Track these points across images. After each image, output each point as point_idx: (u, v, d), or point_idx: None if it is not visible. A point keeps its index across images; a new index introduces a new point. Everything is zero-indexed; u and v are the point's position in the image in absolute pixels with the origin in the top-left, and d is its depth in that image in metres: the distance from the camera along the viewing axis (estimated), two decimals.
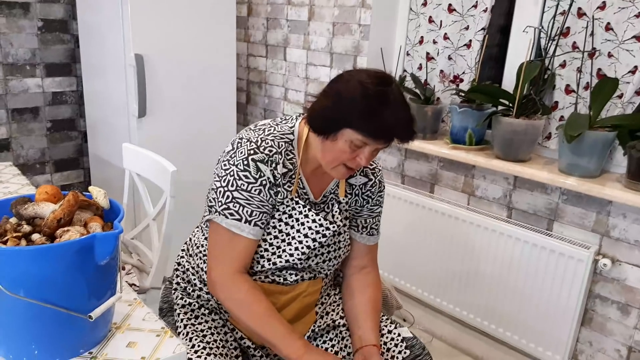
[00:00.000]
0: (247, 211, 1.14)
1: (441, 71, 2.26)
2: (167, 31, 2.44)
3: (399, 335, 1.32)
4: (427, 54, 2.32)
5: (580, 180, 1.76)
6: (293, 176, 1.20)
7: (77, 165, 3.10)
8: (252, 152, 1.14)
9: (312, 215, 1.21)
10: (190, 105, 2.62)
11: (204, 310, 1.30)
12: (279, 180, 1.16)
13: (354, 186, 1.30)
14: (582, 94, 1.88)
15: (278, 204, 1.19)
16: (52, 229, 0.95)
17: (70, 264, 0.91)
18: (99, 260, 0.94)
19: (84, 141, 3.06)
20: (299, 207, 1.20)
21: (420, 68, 2.37)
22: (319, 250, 1.25)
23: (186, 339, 1.22)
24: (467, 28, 2.16)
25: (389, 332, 1.33)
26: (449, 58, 2.24)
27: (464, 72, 2.20)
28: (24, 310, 0.91)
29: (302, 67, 2.76)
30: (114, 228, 0.98)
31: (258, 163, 1.14)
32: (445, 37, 2.22)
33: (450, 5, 2.18)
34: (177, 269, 1.37)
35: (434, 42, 2.29)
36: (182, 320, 1.27)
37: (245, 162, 1.14)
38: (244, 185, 1.14)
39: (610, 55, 1.80)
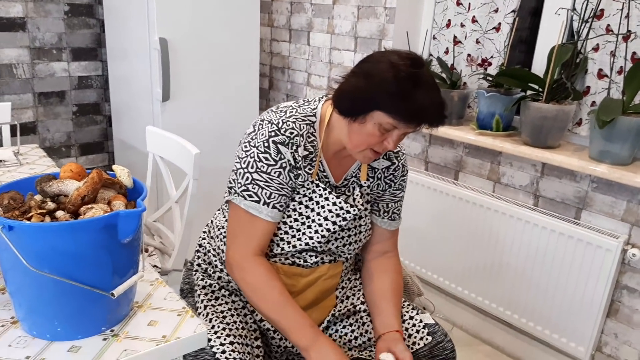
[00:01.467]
0: (265, 193, 1.13)
1: (468, 55, 2.21)
2: (191, 15, 2.44)
3: (421, 321, 1.30)
4: (454, 37, 2.27)
5: (612, 168, 1.70)
6: (314, 159, 1.18)
7: (102, 149, 3.14)
8: (273, 133, 1.13)
9: (333, 198, 1.19)
10: (214, 90, 2.61)
11: (225, 291, 1.30)
12: (300, 162, 1.15)
13: (376, 170, 1.28)
14: (615, 78, 1.81)
15: (299, 187, 1.18)
16: (76, 206, 0.95)
17: (94, 241, 0.92)
18: (122, 237, 0.94)
19: (109, 125, 3.09)
20: (320, 190, 1.19)
21: (446, 52, 2.32)
22: (339, 234, 1.23)
23: (206, 320, 1.22)
24: (496, 10, 2.10)
25: (411, 317, 1.31)
26: (477, 42, 2.18)
27: (492, 56, 2.15)
28: (48, 286, 0.92)
29: (326, 51, 2.73)
30: (137, 206, 0.98)
31: (279, 145, 1.13)
32: (474, 20, 2.17)
33: None
34: (198, 251, 1.38)
35: (462, 25, 2.23)
36: (202, 301, 1.28)
37: (266, 144, 1.13)
38: (263, 167, 1.13)
39: None
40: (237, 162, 1.16)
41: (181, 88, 2.50)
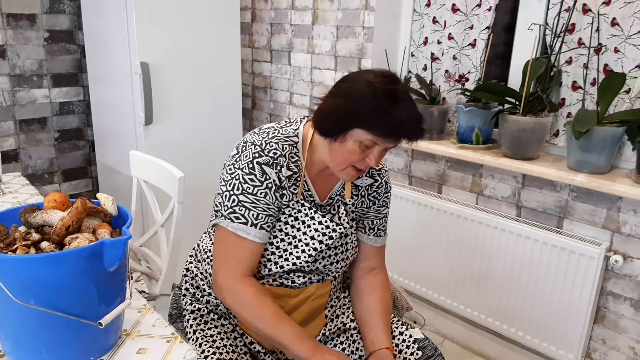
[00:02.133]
0: (253, 214, 1.14)
1: (446, 71, 2.26)
2: (172, 39, 2.46)
3: (411, 336, 1.31)
4: (432, 54, 2.31)
5: (590, 177, 1.74)
6: (298, 179, 1.20)
7: (85, 174, 3.12)
8: (257, 155, 1.14)
9: (318, 218, 1.20)
10: (197, 112, 2.63)
11: (213, 315, 1.29)
12: (284, 182, 1.16)
13: (360, 187, 1.30)
14: (589, 90, 1.86)
15: (284, 207, 1.19)
16: (61, 236, 0.95)
17: (80, 270, 0.92)
18: (108, 266, 0.94)
19: (92, 150, 3.08)
20: (305, 209, 1.20)
21: (425, 69, 2.36)
22: (326, 253, 1.24)
23: (196, 345, 1.22)
24: (471, 27, 2.15)
25: (400, 333, 1.32)
26: (454, 58, 2.23)
27: (469, 72, 2.19)
28: (34, 318, 0.91)
29: (307, 71, 2.76)
30: (122, 234, 0.99)
31: (263, 166, 1.14)
32: (450, 37, 2.22)
33: (454, 5, 2.17)
34: (185, 275, 1.37)
35: (439, 42, 2.28)
36: (191, 325, 1.27)
37: (251, 166, 1.14)
38: (249, 188, 1.14)
39: (616, 50, 1.78)
40: (223, 185, 1.17)
41: (164, 111, 2.50)
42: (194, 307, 1.31)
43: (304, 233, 1.20)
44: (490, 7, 2.05)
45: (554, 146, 2.01)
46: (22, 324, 0.93)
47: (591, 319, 1.88)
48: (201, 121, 2.65)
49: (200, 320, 1.28)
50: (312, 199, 1.23)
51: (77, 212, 0.96)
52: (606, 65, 1.82)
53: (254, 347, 1.25)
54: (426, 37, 2.33)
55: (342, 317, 1.34)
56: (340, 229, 1.22)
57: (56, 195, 1.04)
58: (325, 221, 1.21)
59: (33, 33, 2.74)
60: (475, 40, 2.14)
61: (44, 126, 2.89)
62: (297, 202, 1.20)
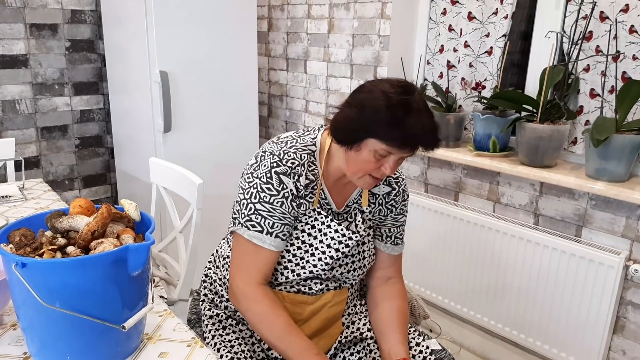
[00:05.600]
0: (269, 223, 1.15)
1: (462, 79, 2.26)
2: (190, 48, 2.49)
3: (427, 347, 1.30)
4: (448, 62, 2.32)
5: (609, 185, 1.73)
6: (315, 187, 1.21)
7: (105, 180, 3.17)
8: (275, 164, 1.16)
9: (335, 226, 1.21)
10: (214, 120, 2.66)
11: (232, 320, 1.31)
12: (302, 192, 1.17)
13: (377, 195, 1.31)
14: (607, 97, 1.85)
15: (300, 215, 1.20)
16: (87, 241, 0.98)
17: (105, 275, 0.94)
18: (132, 271, 0.96)
19: (111, 157, 3.13)
20: (321, 217, 1.21)
21: (441, 76, 2.37)
22: (342, 261, 1.25)
23: (214, 349, 1.23)
24: (487, 35, 2.15)
25: (417, 344, 1.31)
26: (470, 65, 2.23)
27: (485, 79, 2.19)
28: (60, 321, 0.93)
29: (323, 79, 2.78)
30: (145, 239, 1.00)
31: (281, 176, 1.15)
32: (466, 45, 2.22)
33: (470, 13, 2.18)
34: (204, 281, 1.39)
35: (455, 50, 2.29)
36: (209, 331, 1.28)
37: (269, 175, 1.15)
38: (266, 197, 1.15)
39: (635, 57, 1.77)
40: (241, 194, 1.19)
41: (182, 119, 2.54)
42: (213, 312, 1.32)
43: (321, 241, 1.21)
44: (507, 15, 2.05)
45: (572, 154, 2.00)
46: (47, 327, 0.95)
47: (610, 329, 1.86)
48: (218, 129, 2.68)
49: (219, 326, 1.30)
50: (329, 207, 1.24)
51: (102, 218, 0.98)
52: (624, 72, 1.81)
53: (272, 354, 1.26)
54: (442, 45, 2.34)
55: (358, 324, 1.34)
56: (356, 237, 1.23)
57: (81, 201, 1.07)
58: (342, 229, 1.21)
59: (55, 42, 2.80)
60: (491, 47, 2.14)
61: (65, 133, 2.95)
62: (314, 210, 1.21)
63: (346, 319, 1.33)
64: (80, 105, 2.97)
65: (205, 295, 1.36)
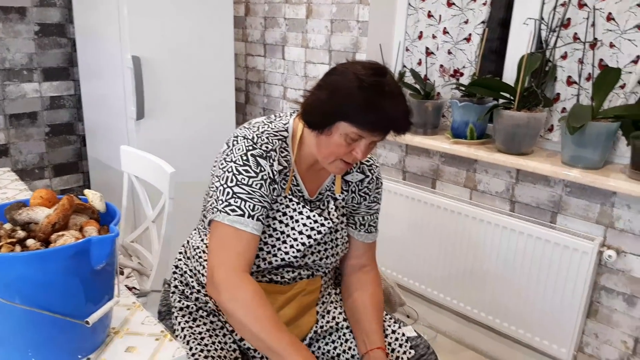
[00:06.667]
0: (249, 206, 1.11)
1: (441, 66, 2.24)
2: (163, 32, 2.43)
3: (403, 335, 1.30)
4: (427, 49, 2.30)
5: (584, 172, 1.74)
6: (287, 174, 1.18)
7: (77, 169, 3.09)
8: (250, 147, 1.13)
9: (307, 212, 1.19)
10: (189, 107, 2.60)
11: (202, 312, 1.28)
12: (276, 176, 1.15)
13: (350, 183, 1.29)
14: (584, 85, 1.85)
15: (273, 201, 1.18)
16: (47, 234, 0.94)
17: (66, 269, 0.90)
18: (95, 264, 0.93)
19: (83, 145, 3.05)
20: (293, 204, 1.19)
21: (419, 63, 2.35)
22: (315, 248, 1.23)
23: (184, 342, 1.20)
24: (466, 22, 2.13)
25: (393, 332, 1.31)
26: (449, 52, 2.21)
27: (464, 67, 2.18)
28: (20, 316, 0.89)
29: (301, 65, 2.74)
30: (110, 231, 0.97)
31: (257, 158, 1.12)
32: (445, 32, 2.20)
33: None
34: (175, 272, 1.36)
35: (433, 36, 2.27)
36: (179, 323, 1.26)
37: (245, 158, 1.12)
38: (244, 179, 1.12)
39: (612, 45, 1.77)
40: (215, 181, 1.15)
41: (156, 106, 2.48)
42: (183, 304, 1.29)
43: (292, 228, 1.19)
44: (486, 1, 2.04)
45: (549, 141, 2.00)
46: (7, 323, 0.91)
47: (584, 314, 1.88)
48: (194, 116, 2.63)
49: (189, 318, 1.27)
50: (300, 194, 1.22)
51: (63, 209, 0.94)
52: (601, 60, 1.81)
53: (244, 344, 1.24)
54: (421, 32, 2.31)
55: (334, 313, 1.32)
56: (329, 223, 1.21)
57: (42, 192, 1.02)
58: (314, 215, 1.19)
59: (23, 26, 2.70)
60: (470, 34, 2.12)
61: (35, 121, 2.86)
62: (285, 197, 1.18)
63: (320, 307, 1.31)
64: (50, 92, 2.88)
65: (176, 287, 1.33)
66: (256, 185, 1.12)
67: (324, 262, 1.25)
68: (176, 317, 1.28)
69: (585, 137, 1.71)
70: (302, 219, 1.19)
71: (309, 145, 1.18)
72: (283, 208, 1.18)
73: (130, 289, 1.74)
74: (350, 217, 1.32)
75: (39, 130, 2.89)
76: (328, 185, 1.26)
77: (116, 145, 2.56)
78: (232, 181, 1.12)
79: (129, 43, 2.33)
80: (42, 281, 0.88)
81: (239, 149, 1.13)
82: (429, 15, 2.26)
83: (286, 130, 1.19)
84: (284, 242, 1.18)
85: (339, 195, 1.27)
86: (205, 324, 1.26)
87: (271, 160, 1.13)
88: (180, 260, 1.36)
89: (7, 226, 0.97)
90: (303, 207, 1.19)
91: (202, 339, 1.20)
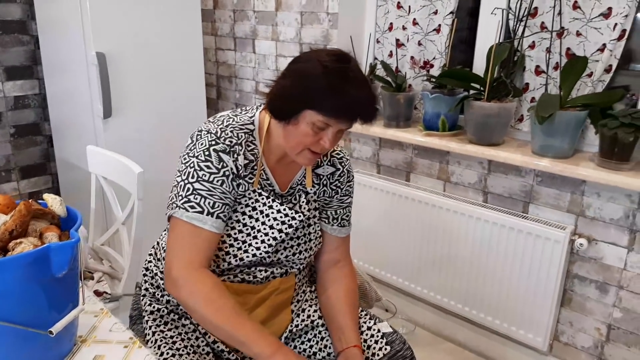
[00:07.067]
0: (209, 203, 1.09)
1: (412, 57, 2.23)
2: (129, 27, 2.36)
3: (379, 331, 1.29)
4: (397, 40, 2.29)
5: (554, 161, 1.75)
6: (255, 167, 1.16)
7: (45, 170, 3.00)
8: (213, 142, 1.11)
9: (277, 206, 1.17)
10: (158, 103, 2.54)
11: (174, 315, 1.25)
12: (241, 171, 1.13)
13: (321, 176, 1.27)
14: (552, 74, 1.87)
15: (239, 196, 1.15)
16: (4, 241, 0.90)
17: (25, 277, 0.86)
18: (56, 272, 0.89)
19: (50, 145, 2.96)
20: (262, 198, 1.17)
21: (390, 55, 2.34)
22: (287, 243, 1.21)
23: (155, 347, 1.17)
24: (435, 12, 2.13)
25: (369, 328, 1.30)
26: (419, 44, 2.21)
27: (434, 58, 2.18)
28: None
29: (272, 58, 2.70)
30: (70, 237, 0.93)
31: (220, 153, 1.10)
32: (415, 23, 2.19)
33: None
34: (145, 274, 1.32)
35: (404, 28, 2.26)
36: (150, 327, 1.23)
37: (207, 153, 1.10)
38: (205, 175, 1.10)
39: (578, 34, 1.79)
40: (178, 177, 1.13)
41: (123, 103, 2.42)
42: (154, 307, 1.26)
43: (263, 223, 1.17)
44: None
45: (519, 131, 2.02)
46: None
47: (558, 302, 1.91)
48: (163, 113, 2.57)
49: (160, 321, 1.24)
50: (271, 188, 1.20)
51: (20, 216, 0.90)
52: (568, 49, 1.82)
53: (217, 347, 1.22)
54: (391, 23, 2.30)
55: (309, 311, 1.31)
56: (300, 217, 1.19)
57: (0, 198, 0.98)
58: (284, 209, 1.18)
59: None
60: (439, 25, 2.12)
61: None
62: (254, 191, 1.16)
63: (295, 306, 1.30)
64: (14, 91, 2.78)
65: (147, 289, 1.30)
66: (217, 181, 1.10)
67: (297, 257, 1.23)
68: (147, 321, 1.24)
69: (554, 127, 1.73)
70: (272, 213, 1.17)
71: (276, 138, 1.16)
72: (253, 203, 1.16)
73: (101, 293, 1.70)
74: (323, 211, 1.31)
75: (3, 132, 2.80)
76: (299, 179, 1.25)
77: (84, 145, 2.49)
78: (192, 177, 1.10)
79: (93, 39, 2.26)
80: (0, 291, 0.85)
81: (201, 144, 1.11)
82: (399, 7, 2.25)
83: (252, 123, 1.18)
84: (255, 237, 1.16)
85: (311, 189, 1.25)
86: (177, 327, 1.23)
87: (235, 155, 1.11)
88: (150, 262, 1.32)
89: None
90: (273, 201, 1.18)
91: (174, 343, 1.18)
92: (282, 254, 1.21)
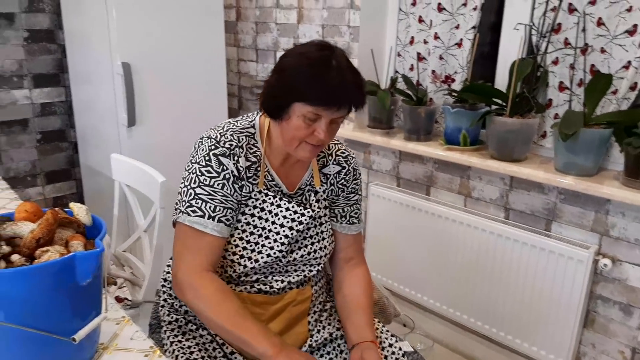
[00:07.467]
0: (210, 207, 1.12)
1: (433, 71, 2.23)
2: (154, 38, 2.41)
3: (400, 349, 1.28)
4: (418, 54, 2.29)
5: (578, 179, 1.73)
6: (258, 168, 1.18)
7: (69, 176, 3.06)
8: (213, 147, 1.14)
9: (285, 204, 1.19)
10: (181, 113, 2.58)
11: (192, 325, 1.26)
12: (242, 173, 1.15)
13: (328, 176, 1.29)
14: (576, 90, 1.85)
15: (245, 198, 1.17)
16: (31, 249, 0.92)
17: (51, 285, 0.88)
18: (81, 280, 0.91)
19: (75, 152, 3.02)
20: (269, 198, 1.19)
21: (411, 69, 2.34)
22: (302, 243, 1.22)
23: (173, 357, 1.18)
24: (457, 27, 2.13)
25: (390, 345, 1.29)
26: (440, 58, 2.21)
27: (455, 72, 2.17)
28: (4, 335, 0.87)
29: None
30: (95, 246, 0.95)
31: (220, 157, 1.13)
32: (436, 37, 2.19)
33: (439, 4, 2.15)
34: (163, 285, 1.34)
35: (425, 42, 2.26)
36: (168, 337, 1.24)
37: (207, 158, 1.14)
38: (206, 180, 1.13)
39: (603, 50, 1.77)
40: (181, 183, 1.17)
41: (147, 112, 2.46)
42: (172, 317, 1.27)
43: (273, 222, 1.18)
44: (476, 6, 2.03)
45: (542, 147, 2.00)
46: None
47: (581, 323, 1.87)
48: (186, 122, 2.61)
49: (178, 332, 1.25)
50: (277, 188, 1.22)
51: (47, 224, 0.92)
52: (593, 65, 1.80)
53: (235, 358, 1.22)
54: (412, 37, 2.30)
55: (329, 328, 1.31)
56: (308, 212, 1.20)
57: (27, 206, 1.00)
58: (293, 207, 1.19)
59: (12, 32, 2.68)
60: (461, 39, 2.12)
61: (26, 128, 2.83)
62: (260, 192, 1.18)
63: (312, 317, 1.29)
64: (41, 98, 2.85)
65: (165, 300, 1.31)
66: (218, 185, 1.13)
67: (312, 256, 1.24)
68: (165, 331, 1.26)
69: (578, 144, 1.71)
70: (281, 211, 1.19)
71: (276, 139, 1.19)
72: (260, 203, 1.18)
73: (122, 299, 1.72)
74: (331, 209, 1.31)
75: (30, 137, 2.86)
76: (307, 179, 1.26)
77: (108, 152, 2.53)
78: (195, 182, 1.13)
79: (119, 49, 2.31)
80: (26, 298, 0.86)
81: (202, 150, 1.15)
82: (420, 20, 2.25)
83: (253, 127, 1.20)
84: (267, 237, 1.18)
85: (320, 188, 1.27)
86: (194, 337, 1.24)
87: (235, 158, 1.14)
88: (168, 273, 1.34)
89: None
90: (280, 199, 1.19)
91: (192, 353, 1.18)
92: (297, 253, 1.22)
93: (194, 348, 1.20)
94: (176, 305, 1.29)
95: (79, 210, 1.02)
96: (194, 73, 2.58)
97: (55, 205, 3.00)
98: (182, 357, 1.17)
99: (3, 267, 0.89)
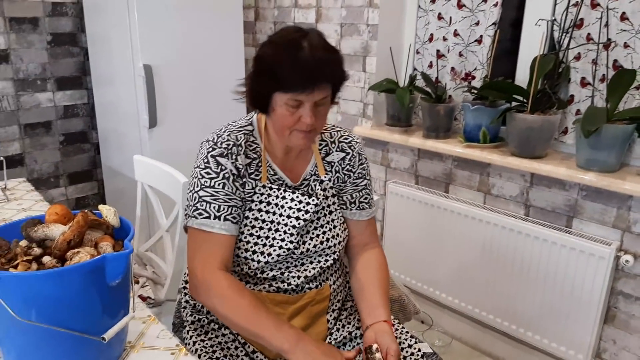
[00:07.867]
0: (214, 207, 1.15)
1: (452, 68, 2.22)
2: (174, 40, 2.44)
3: (419, 350, 1.28)
4: (438, 51, 2.28)
5: (600, 175, 1.71)
6: (260, 164, 1.20)
7: (91, 177, 3.12)
8: (210, 149, 1.17)
9: (290, 195, 1.21)
10: (201, 114, 2.61)
11: (214, 325, 1.28)
12: (243, 171, 1.17)
13: (332, 164, 1.29)
14: (598, 86, 1.83)
15: (249, 195, 1.19)
16: (63, 250, 0.94)
17: (81, 286, 0.90)
18: (110, 280, 0.93)
19: (97, 153, 3.07)
20: (274, 191, 1.20)
21: (430, 66, 2.33)
22: (313, 233, 1.23)
23: (196, 356, 1.21)
24: (477, 23, 2.11)
25: (409, 346, 1.29)
26: (460, 55, 2.20)
27: (475, 69, 2.16)
28: (36, 334, 0.90)
29: None
30: (124, 247, 0.97)
31: (217, 158, 1.16)
32: (456, 34, 2.18)
33: (459, 1, 2.14)
34: (185, 287, 1.36)
35: (444, 39, 2.25)
36: (191, 337, 1.26)
37: (206, 161, 1.16)
38: (207, 182, 1.15)
39: (626, 45, 1.74)
40: (188, 189, 1.20)
41: (168, 114, 2.49)
42: (194, 317, 1.30)
43: (280, 215, 1.20)
44: (497, 2, 2.02)
45: (563, 144, 1.98)
46: (24, 340, 0.92)
47: (601, 319, 1.86)
48: (206, 123, 2.63)
49: (201, 331, 1.27)
50: (281, 181, 1.23)
51: (78, 226, 0.95)
52: (615, 61, 1.78)
53: (257, 357, 1.24)
54: (431, 34, 2.30)
55: (349, 327, 1.32)
56: (314, 200, 1.21)
57: (57, 208, 1.03)
58: (297, 196, 1.21)
59: (36, 37, 2.73)
60: (481, 36, 2.11)
61: (49, 130, 2.89)
62: (264, 186, 1.20)
63: (331, 315, 1.29)
64: (64, 101, 2.91)
65: (187, 302, 1.34)
66: (219, 185, 1.15)
67: (325, 245, 1.24)
68: (188, 330, 1.28)
69: (600, 140, 1.69)
70: (286, 203, 1.21)
71: (272, 133, 1.21)
72: (265, 198, 1.20)
73: (145, 298, 1.75)
74: (339, 197, 1.31)
75: (53, 139, 2.92)
76: (311, 170, 1.27)
77: (129, 154, 2.59)
78: (197, 186, 1.16)
79: (140, 52, 2.34)
80: (58, 298, 0.89)
81: (202, 154, 1.18)
82: (439, 18, 2.24)
83: (250, 124, 1.23)
84: (277, 230, 1.20)
85: (325, 177, 1.27)
86: (217, 337, 1.26)
87: (233, 156, 1.16)
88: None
89: (23, 243, 0.98)
90: (285, 191, 1.21)
91: (214, 352, 1.21)
92: (309, 244, 1.23)
93: (217, 347, 1.22)
94: (198, 305, 1.31)
95: (107, 212, 1.05)
96: (213, 74, 2.61)
97: (77, 206, 3.06)
98: (204, 356, 1.19)
99: (35, 269, 0.91)
